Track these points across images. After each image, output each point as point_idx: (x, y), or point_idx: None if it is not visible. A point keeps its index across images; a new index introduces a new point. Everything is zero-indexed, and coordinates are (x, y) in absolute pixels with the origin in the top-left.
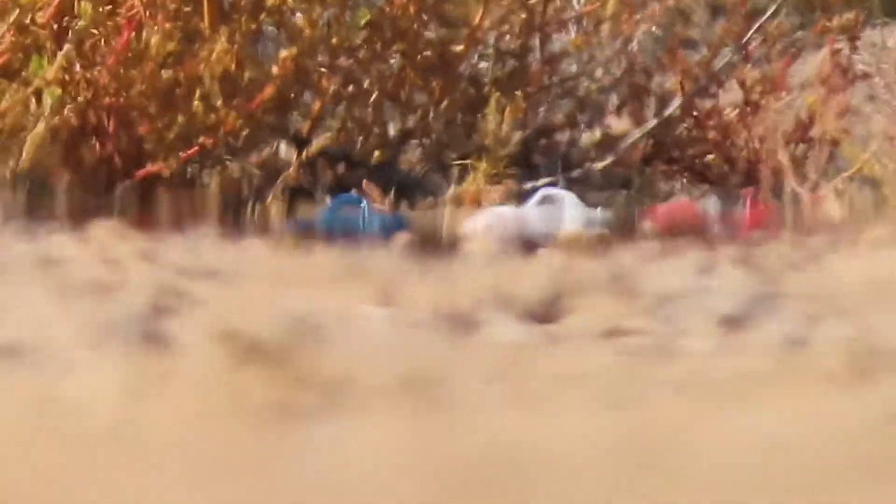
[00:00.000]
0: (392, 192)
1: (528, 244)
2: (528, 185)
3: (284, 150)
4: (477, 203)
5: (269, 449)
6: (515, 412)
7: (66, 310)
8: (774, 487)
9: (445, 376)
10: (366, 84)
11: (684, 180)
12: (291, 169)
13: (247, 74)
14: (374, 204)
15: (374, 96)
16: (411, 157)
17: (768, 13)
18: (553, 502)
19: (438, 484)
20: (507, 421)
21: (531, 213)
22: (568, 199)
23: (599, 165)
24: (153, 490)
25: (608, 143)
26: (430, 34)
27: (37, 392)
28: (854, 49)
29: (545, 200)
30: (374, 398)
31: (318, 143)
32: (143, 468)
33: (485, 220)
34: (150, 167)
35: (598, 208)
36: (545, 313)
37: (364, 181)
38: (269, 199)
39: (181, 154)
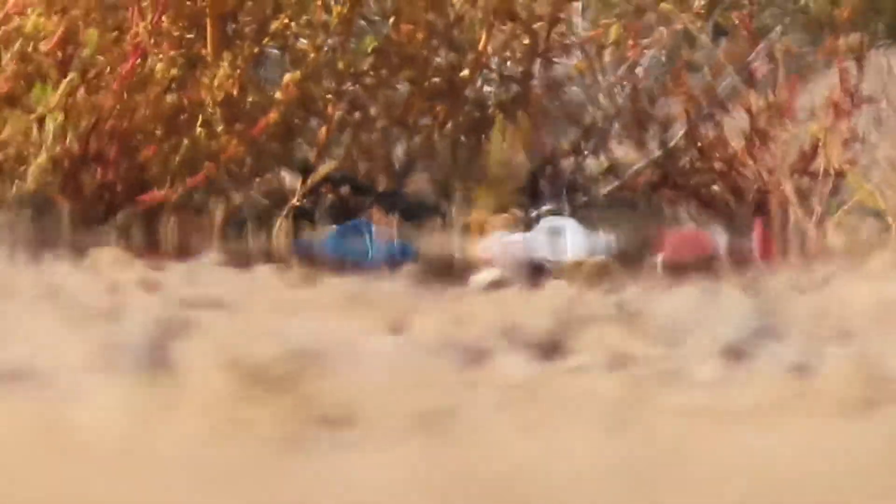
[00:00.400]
0: (397, 217)
1: (535, 271)
2: (534, 213)
3: (289, 178)
4: (483, 231)
5: (274, 472)
6: (523, 439)
7: (73, 335)
8: None
9: (453, 404)
10: (372, 111)
11: (691, 209)
12: (296, 196)
13: (249, 99)
14: (379, 229)
15: (380, 122)
16: (417, 180)
17: (774, 31)
18: None
19: None
20: (515, 448)
21: (537, 242)
22: (571, 227)
23: (604, 191)
24: None
25: (613, 170)
26: (438, 59)
27: (44, 415)
28: (861, 72)
29: (550, 229)
30: (380, 425)
31: (323, 168)
32: (149, 490)
33: (494, 248)
34: (154, 193)
35: (602, 235)
36: (552, 342)
37: (372, 208)
38: (276, 225)
39: (185, 181)
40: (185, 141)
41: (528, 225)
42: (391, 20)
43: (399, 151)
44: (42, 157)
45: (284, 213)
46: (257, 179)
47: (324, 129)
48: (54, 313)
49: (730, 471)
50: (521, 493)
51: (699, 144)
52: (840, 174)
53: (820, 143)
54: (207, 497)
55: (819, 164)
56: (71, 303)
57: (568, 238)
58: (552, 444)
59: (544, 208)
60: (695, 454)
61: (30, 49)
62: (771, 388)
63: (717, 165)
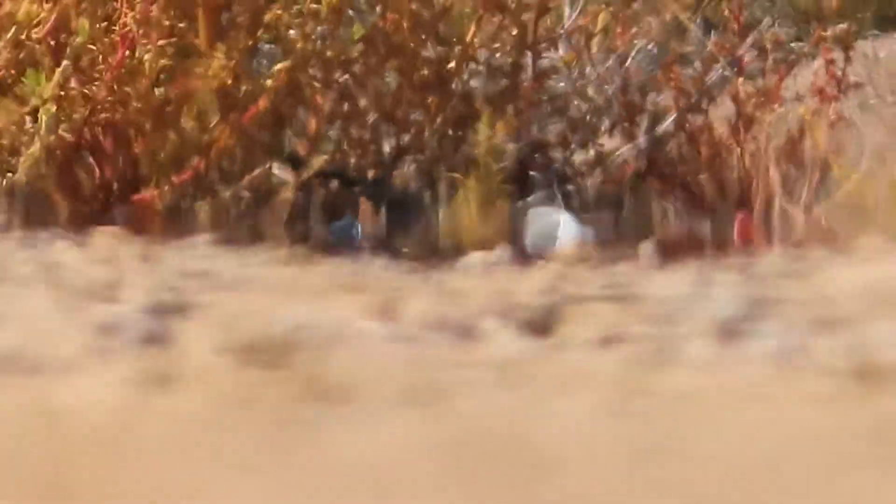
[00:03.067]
0: (384, 209)
1: (525, 260)
2: (520, 204)
3: (278, 171)
4: (473, 225)
5: (275, 448)
6: (519, 413)
7: (69, 314)
8: (772, 492)
9: (447, 380)
10: (362, 102)
11: (677, 200)
12: (290, 189)
13: (243, 88)
14: (364, 222)
15: (370, 116)
16: (405, 172)
17: (763, 24)
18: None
19: (447, 478)
20: (510, 421)
21: (527, 233)
22: (562, 218)
23: (590, 183)
24: (157, 493)
25: (601, 161)
26: (425, 52)
27: (39, 396)
28: (848, 60)
29: (539, 220)
30: (376, 400)
31: (314, 163)
32: (146, 472)
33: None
34: (144, 194)
35: (591, 227)
36: (544, 321)
37: (359, 199)
38: (267, 218)
39: (174, 179)
40: (174, 135)
41: (517, 216)
42: (377, 9)
43: (388, 145)
44: (35, 148)
45: (277, 206)
46: (246, 174)
47: (314, 121)
48: (49, 292)
49: (724, 449)
50: (519, 463)
51: (686, 128)
52: (826, 165)
53: (806, 127)
54: (207, 475)
55: (806, 149)
56: (67, 280)
57: (558, 229)
58: (548, 418)
59: (533, 198)
60: (687, 432)
61: (23, 36)
62: (765, 368)
63: (703, 151)
